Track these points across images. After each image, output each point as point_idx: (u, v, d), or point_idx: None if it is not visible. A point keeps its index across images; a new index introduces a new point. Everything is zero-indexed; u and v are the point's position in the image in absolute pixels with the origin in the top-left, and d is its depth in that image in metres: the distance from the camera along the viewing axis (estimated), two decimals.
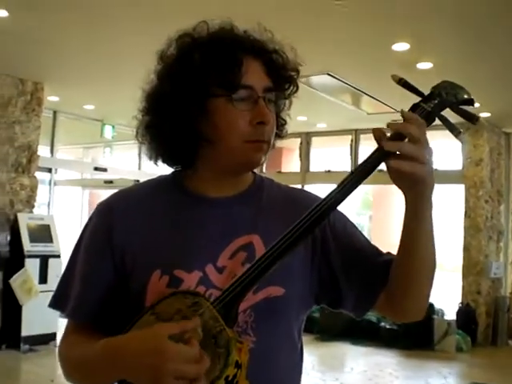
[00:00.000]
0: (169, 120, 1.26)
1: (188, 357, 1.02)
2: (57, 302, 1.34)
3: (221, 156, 1.27)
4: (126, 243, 1.28)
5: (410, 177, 1.09)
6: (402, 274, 1.24)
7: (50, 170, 10.46)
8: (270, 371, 1.24)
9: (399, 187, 1.15)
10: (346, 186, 1.12)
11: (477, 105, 6.97)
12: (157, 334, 1.04)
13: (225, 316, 1.09)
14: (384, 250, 1.35)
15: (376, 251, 1.35)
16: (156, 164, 1.34)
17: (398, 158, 1.08)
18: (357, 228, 1.40)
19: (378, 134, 1.11)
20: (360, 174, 1.12)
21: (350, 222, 1.40)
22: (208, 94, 1.23)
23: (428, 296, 1.29)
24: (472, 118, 1.15)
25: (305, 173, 11.24)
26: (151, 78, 1.31)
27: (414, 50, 5.91)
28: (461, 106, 1.16)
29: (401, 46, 5.85)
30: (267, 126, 1.25)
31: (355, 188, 1.12)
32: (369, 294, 1.30)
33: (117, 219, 1.30)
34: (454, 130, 1.14)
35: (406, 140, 1.09)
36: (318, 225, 1.15)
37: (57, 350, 1.34)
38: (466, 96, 1.17)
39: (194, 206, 1.31)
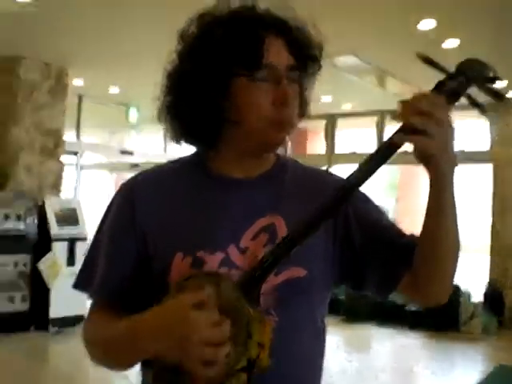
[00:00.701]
0: (190, 100, 1.24)
1: (212, 322, 1.03)
2: (81, 282, 1.34)
3: (243, 136, 1.26)
4: (147, 224, 1.28)
5: (421, 152, 1.08)
6: (424, 256, 1.23)
7: (76, 154, 10.54)
8: (292, 351, 1.24)
9: (422, 165, 1.13)
10: (369, 166, 1.11)
11: (505, 82, 6.87)
12: (178, 305, 1.06)
13: (247, 296, 1.09)
14: (409, 233, 1.33)
15: (400, 232, 1.33)
16: (179, 144, 1.33)
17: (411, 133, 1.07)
18: (380, 209, 1.39)
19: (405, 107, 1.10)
20: (383, 153, 1.11)
21: (373, 202, 1.38)
22: (229, 72, 1.21)
23: (452, 279, 1.27)
24: (499, 96, 1.12)
25: (330, 154, 11.16)
26: (172, 57, 1.29)
27: (440, 27, 5.82)
28: (487, 84, 1.13)
29: (427, 24, 5.76)
30: (290, 106, 1.23)
31: (379, 167, 1.11)
32: (392, 275, 1.29)
33: (139, 200, 1.30)
34: (479, 107, 1.12)
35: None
36: (341, 206, 1.14)
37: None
38: (491, 73, 1.14)
39: (216, 186, 1.30)
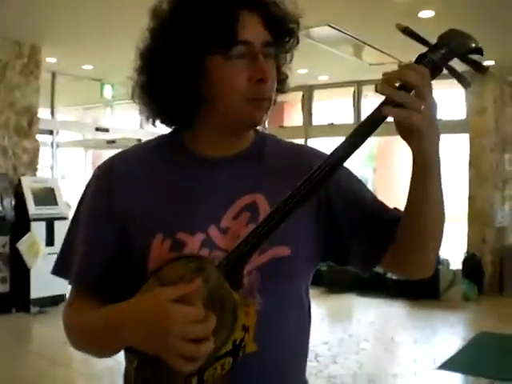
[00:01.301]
0: (164, 79, 1.21)
1: (192, 317, 1.00)
2: (59, 269, 1.32)
3: (220, 115, 1.23)
4: (125, 206, 1.25)
5: (406, 126, 1.06)
6: (409, 231, 1.22)
7: (51, 133, 10.41)
8: (277, 332, 1.23)
9: (403, 139, 1.11)
10: (352, 140, 1.08)
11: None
12: (159, 299, 1.03)
13: (230, 279, 1.07)
14: (390, 204, 1.32)
15: (383, 207, 1.31)
16: (154, 125, 1.30)
17: (396, 106, 1.04)
18: (363, 183, 1.37)
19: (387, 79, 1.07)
20: (366, 126, 1.08)
21: (356, 177, 1.36)
22: (203, 51, 1.18)
23: (435, 253, 1.27)
24: (481, 68, 1.10)
25: (307, 126, 11.14)
26: (145, 35, 1.25)
27: None
28: (469, 56, 1.11)
29: None
30: (267, 82, 1.20)
31: (364, 141, 1.08)
32: (376, 250, 1.28)
33: (116, 182, 1.27)
34: (462, 80, 1.09)
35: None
36: (325, 182, 1.11)
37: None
38: (474, 45, 1.11)
39: (194, 166, 1.27)
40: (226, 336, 1.03)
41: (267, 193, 1.24)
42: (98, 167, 1.34)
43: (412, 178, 1.16)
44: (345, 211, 1.29)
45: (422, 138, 1.07)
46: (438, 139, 1.10)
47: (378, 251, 1.28)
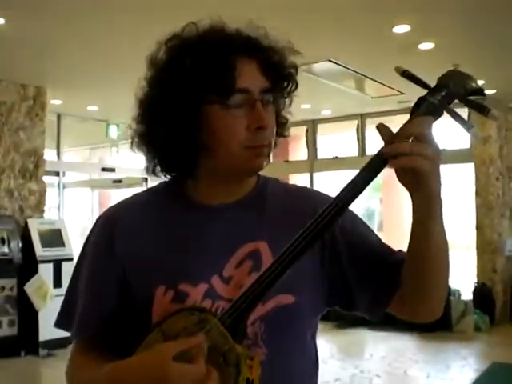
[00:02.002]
0: (163, 128, 1.20)
1: (194, 375, 0.99)
2: (62, 321, 1.31)
3: (221, 163, 1.22)
4: (128, 257, 1.24)
5: (414, 172, 1.04)
6: (413, 274, 1.20)
7: (57, 174, 10.45)
8: (283, 382, 1.20)
9: (406, 188, 1.10)
10: (355, 186, 1.08)
11: (481, 82, 6.89)
12: (159, 357, 1.01)
13: (233, 330, 1.05)
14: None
15: (388, 250, 1.30)
16: (155, 174, 1.29)
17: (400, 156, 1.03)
18: (368, 226, 1.35)
19: (383, 132, 1.07)
20: (368, 173, 1.07)
21: (361, 220, 1.35)
22: (201, 100, 1.18)
23: (442, 296, 1.25)
24: (483, 110, 1.06)
25: (312, 160, 11.16)
26: (143, 84, 1.25)
27: (414, 31, 5.83)
28: (470, 97, 1.10)
29: (401, 28, 5.77)
30: (266, 130, 1.20)
31: (365, 187, 1.08)
32: (382, 295, 1.26)
33: (118, 231, 1.27)
34: (464, 124, 1.07)
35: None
36: (328, 229, 1.10)
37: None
38: (474, 85, 1.10)
39: (195, 215, 1.26)
40: None
41: (270, 240, 1.23)
42: (100, 217, 1.33)
43: (414, 221, 1.14)
44: (349, 256, 1.27)
45: (427, 181, 1.05)
46: (441, 181, 1.09)
47: (384, 297, 1.26)
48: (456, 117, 1.08)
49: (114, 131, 10.69)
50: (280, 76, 1.26)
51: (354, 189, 1.08)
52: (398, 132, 1.05)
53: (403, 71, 1.12)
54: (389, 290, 1.25)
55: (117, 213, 1.32)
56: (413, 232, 1.15)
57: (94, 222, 1.34)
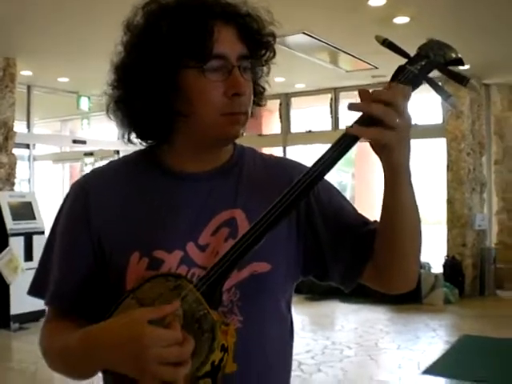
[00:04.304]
0: (139, 94, 1.19)
1: (169, 340, 0.98)
2: (35, 289, 1.29)
3: (196, 130, 1.21)
4: (102, 224, 1.23)
5: (378, 144, 1.05)
6: (385, 243, 1.20)
7: (28, 146, 10.32)
8: (258, 350, 1.21)
9: (375, 153, 1.10)
10: (332, 154, 1.07)
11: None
12: (134, 320, 1.00)
13: (209, 297, 1.04)
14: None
15: (363, 220, 1.30)
16: (130, 141, 1.28)
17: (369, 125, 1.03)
18: (343, 196, 1.36)
19: (363, 97, 1.06)
20: (344, 144, 1.07)
21: (336, 190, 1.35)
22: (178, 65, 1.16)
23: (415, 268, 1.26)
24: (462, 80, 1.07)
25: (286, 134, 11.16)
26: (119, 49, 1.23)
27: (390, 5, 5.82)
28: (450, 67, 1.09)
29: (377, 2, 5.75)
30: (243, 96, 1.18)
31: (341, 157, 1.07)
32: (356, 265, 1.26)
33: (92, 200, 1.25)
34: (443, 93, 1.07)
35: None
36: (304, 197, 1.10)
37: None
38: (454, 55, 1.09)
39: (171, 182, 1.25)
40: (205, 357, 1.01)
41: (246, 208, 1.23)
42: (73, 185, 1.32)
43: (384, 191, 1.15)
44: (324, 225, 1.28)
45: (392, 152, 1.06)
46: (409, 152, 1.09)
47: (357, 266, 1.26)
48: (435, 86, 1.08)
49: (85, 103, 10.58)
50: (258, 43, 1.24)
51: (330, 158, 1.08)
52: (372, 93, 1.05)
53: (383, 40, 1.12)
54: (361, 259, 1.25)
55: (91, 181, 1.30)
56: (383, 202, 1.16)
57: (68, 189, 1.32)
